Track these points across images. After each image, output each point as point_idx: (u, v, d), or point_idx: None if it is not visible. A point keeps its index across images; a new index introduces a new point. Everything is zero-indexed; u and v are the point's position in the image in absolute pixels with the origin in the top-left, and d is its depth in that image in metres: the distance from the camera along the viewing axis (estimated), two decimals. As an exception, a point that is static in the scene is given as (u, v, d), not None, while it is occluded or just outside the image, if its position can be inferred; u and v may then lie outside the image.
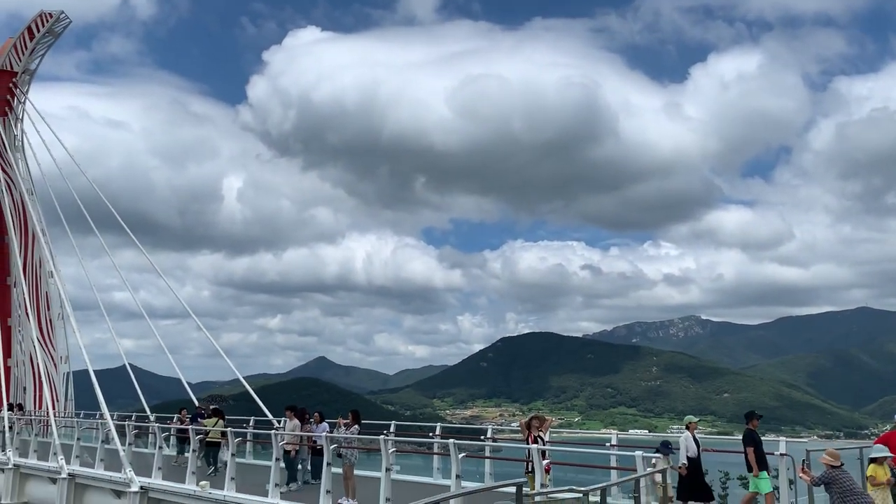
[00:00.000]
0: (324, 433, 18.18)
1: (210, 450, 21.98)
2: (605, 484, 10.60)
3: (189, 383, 35.48)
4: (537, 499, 11.30)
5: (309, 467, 19.32)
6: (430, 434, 21.87)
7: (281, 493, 17.30)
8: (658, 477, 13.75)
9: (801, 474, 14.15)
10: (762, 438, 14.91)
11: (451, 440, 14.69)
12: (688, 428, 15.50)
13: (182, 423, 23.24)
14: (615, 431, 18.96)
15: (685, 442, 14.82)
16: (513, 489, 9.42)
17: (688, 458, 14.65)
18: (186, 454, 22.13)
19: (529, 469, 13.93)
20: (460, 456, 14.38)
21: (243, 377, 36.51)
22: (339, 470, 17.36)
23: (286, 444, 18.65)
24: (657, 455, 14.01)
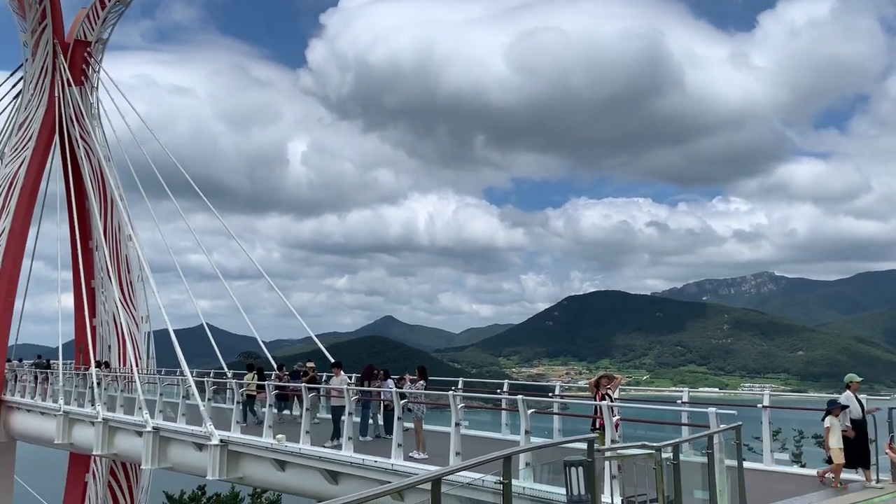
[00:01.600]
0: (391, 389, 18.56)
1: (249, 402, 23.37)
2: (677, 440, 10.48)
3: (263, 342, 36.56)
4: (607, 454, 11.27)
5: (381, 422, 19.75)
6: (498, 391, 22.03)
7: (334, 445, 17.77)
8: (833, 440, 13.32)
9: (887, 451, 13.54)
10: (837, 396, 14.39)
11: (520, 396, 14.74)
12: (849, 387, 14.37)
13: (280, 381, 23.93)
14: (686, 389, 18.68)
15: (847, 402, 13.90)
16: (583, 445, 9.44)
17: (851, 420, 13.72)
18: (285, 412, 23.06)
19: (597, 426, 13.90)
20: (529, 412, 14.44)
21: (314, 336, 37.39)
22: (410, 425, 17.73)
23: (334, 397, 19.33)
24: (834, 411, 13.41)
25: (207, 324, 36.61)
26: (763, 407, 16.07)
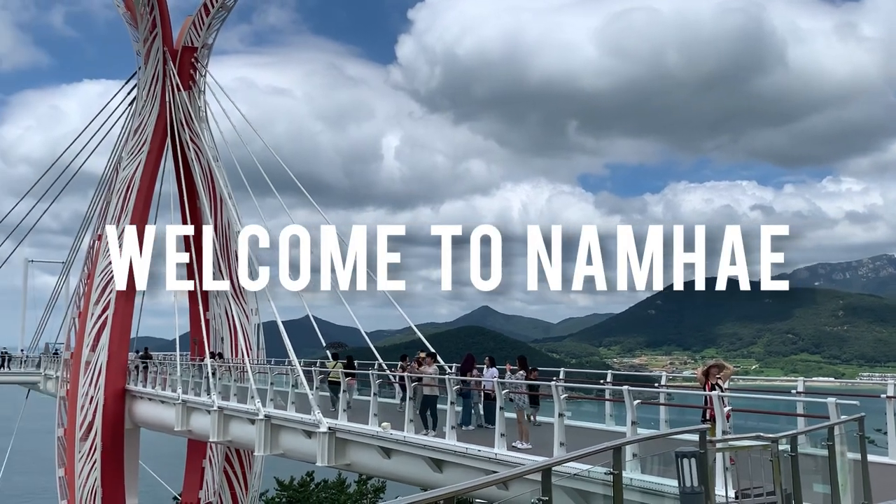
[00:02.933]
0: (493, 378, 18.60)
1: (333, 388, 24.25)
2: (795, 431, 10.04)
3: (364, 332, 37.36)
4: (719, 445, 10.92)
5: (482, 411, 19.85)
6: (601, 381, 21.71)
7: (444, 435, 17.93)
8: None
9: None
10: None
11: (625, 386, 14.49)
12: None
13: (403, 371, 24.53)
14: (801, 378, 17.81)
15: None
16: (693, 436, 9.17)
17: None
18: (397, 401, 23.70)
19: (707, 417, 13.48)
20: (635, 403, 14.16)
21: (414, 326, 37.88)
22: (512, 414, 17.74)
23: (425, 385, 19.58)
24: None
25: (311, 315, 37.75)
26: (888, 397, 15.15)
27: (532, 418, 18.81)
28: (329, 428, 22.00)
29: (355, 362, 26.58)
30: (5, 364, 53.80)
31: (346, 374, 23.94)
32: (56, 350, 48.32)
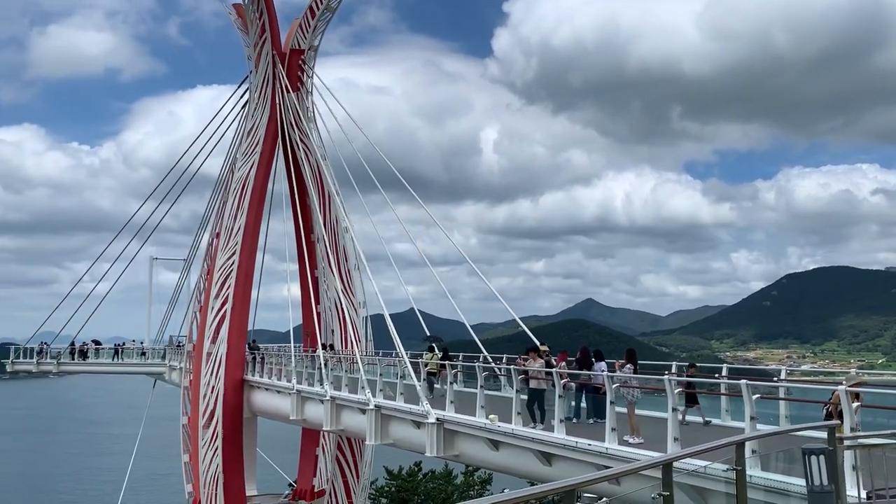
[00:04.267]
0: (603, 372, 18.31)
1: (429, 378, 25.42)
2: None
3: (469, 325, 37.58)
4: (847, 442, 10.33)
5: (592, 406, 19.56)
6: (716, 375, 20.96)
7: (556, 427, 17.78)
8: None
9: None
10: None
11: (744, 380, 13.94)
12: None
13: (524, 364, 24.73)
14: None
15: None
16: (820, 433, 8.73)
17: None
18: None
19: (830, 413, 12.77)
20: (754, 397, 13.60)
21: (518, 319, 37.80)
22: (623, 409, 17.40)
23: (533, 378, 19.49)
24: None
25: (416, 309, 38.30)
26: None
27: (703, 418, 18.33)
28: (437, 419, 22.28)
29: (450, 354, 27.08)
30: (119, 355, 57.39)
31: (442, 366, 24.62)
32: (179, 342, 51.18)
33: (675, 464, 7.45)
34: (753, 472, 11.82)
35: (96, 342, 57.65)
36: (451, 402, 22.54)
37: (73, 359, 55.09)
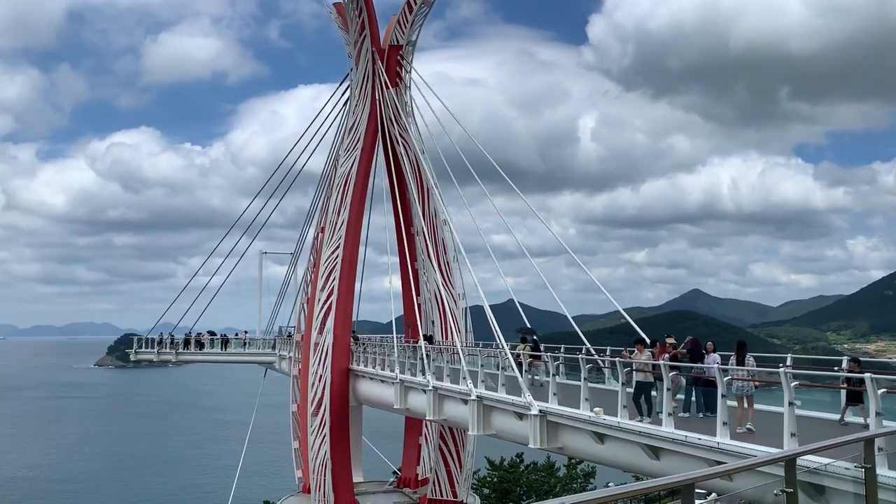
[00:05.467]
0: (715, 364, 17.71)
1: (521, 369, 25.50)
2: None
3: (570, 317, 37.14)
4: None
5: (701, 399, 19.00)
6: (836, 368, 19.87)
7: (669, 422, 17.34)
8: None
9: None
10: None
11: (868, 374, 13.17)
12: None
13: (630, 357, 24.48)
14: None
15: None
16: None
17: None
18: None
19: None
20: (880, 392, 12.83)
21: (622, 310, 37.07)
22: (733, 403, 16.81)
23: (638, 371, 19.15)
24: None
25: (512, 300, 38.22)
26: None
27: (864, 420, 17.35)
28: (540, 411, 22.18)
29: (549, 346, 27.34)
30: (225, 346, 60.01)
31: (533, 357, 25.01)
32: (288, 333, 53.10)
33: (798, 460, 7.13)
34: (881, 470, 11.18)
35: (211, 333, 60.65)
36: (554, 394, 22.38)
37: (191, 348, 58.14)
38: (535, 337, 29.78)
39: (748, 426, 16.43)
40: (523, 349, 26.43)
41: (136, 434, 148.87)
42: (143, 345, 59.18)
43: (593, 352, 28.04)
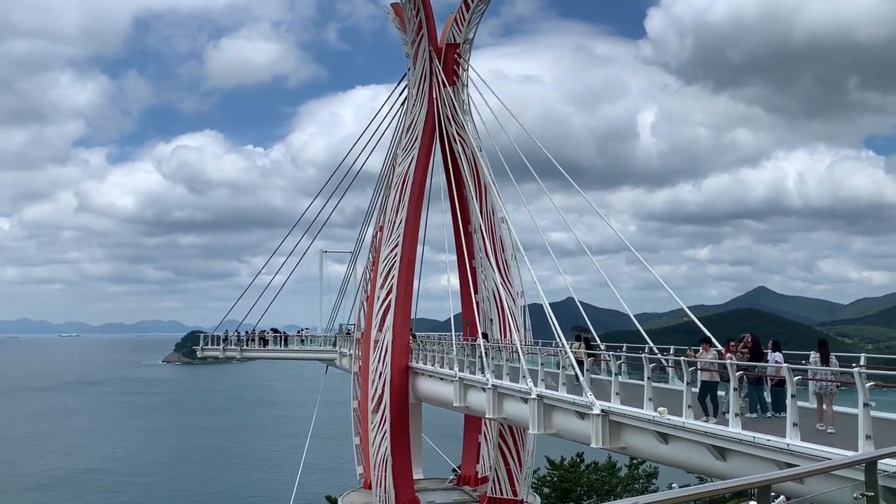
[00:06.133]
0: (779, 363, 17.24)
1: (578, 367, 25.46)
2: None
3: (632, 316, 36.61)
4: None
5: (769, 399, 18.50)
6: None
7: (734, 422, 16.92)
8: None
9: None
10: None
11: (948, 375, 12.58)
12: None
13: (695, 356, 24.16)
14: None
15: None
16: None
17: None
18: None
19: None
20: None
21: (686, 308, 36.35)
22: (806, 403, 16.33)
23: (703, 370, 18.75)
24: None
25: (572, 298, 37.82)
26: None
27: None
28: (602, 410, 21.93)
29: (593, 343, 27.51)
30: (287, 343, 61.07)
31: (588, 355, 24.92)
32: (348, 330, 53.78)
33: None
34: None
35: (274, 330, 61.87)
36: (617, 393, 22.11)
37: (255, 345, 59.45)
38: (588, 335, 29.48)
39: (828, 428, 15.92)
40: (578, 347, 26.32)
41: (204, 429, 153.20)
42: (209, 342, 60.79)
43: (656, 351, 27.59)
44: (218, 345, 59.54)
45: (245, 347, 59.08)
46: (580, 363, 25.03)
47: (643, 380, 20.92)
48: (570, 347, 26.56)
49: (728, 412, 17.44)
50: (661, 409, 19.41)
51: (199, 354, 64.24)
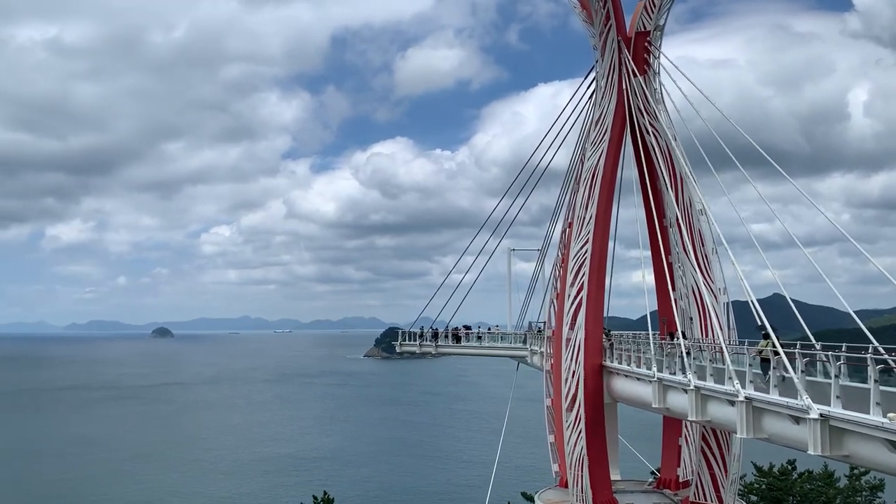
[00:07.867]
0: None
1: (763, 365, 25.01)
2: None
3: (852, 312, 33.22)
4: None
5: None
6: None
7: None
8: None
9: None
10: None
11: None
12: None
13: None
14: None
15: None
16: None
17: None
18: None
19: None
20: None
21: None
22: None
23: None
24: None
25: (778, 294, 35.08)
26: None
27: None
28: (821, 415, 20.18)
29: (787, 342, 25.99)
30: (479, 339, 61.67)
31: (776, 353, 24.09)
32: (539, 328, 53.77)
33: None
34: None
35: (467, 327, 63.33)
36: (838, 396, 20.26)
37: (448, 341, 61.21)
38: (772, 332, 27.33)
39: None
40: (766, 345, 25.27)
41: (406, 422, 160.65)
42: (407, 338, 63.44)
43: (882, 350, 24.92)
44: (414, 341, 61.96)
45: (440, 343, 60.99)
46: (766, 360, 23.71)
47: (864, 382, 19.05)
48: (759, 344, 25.85)
49: None
50: (891, 414, 17.53)
51: (397, 350, 67.23)
